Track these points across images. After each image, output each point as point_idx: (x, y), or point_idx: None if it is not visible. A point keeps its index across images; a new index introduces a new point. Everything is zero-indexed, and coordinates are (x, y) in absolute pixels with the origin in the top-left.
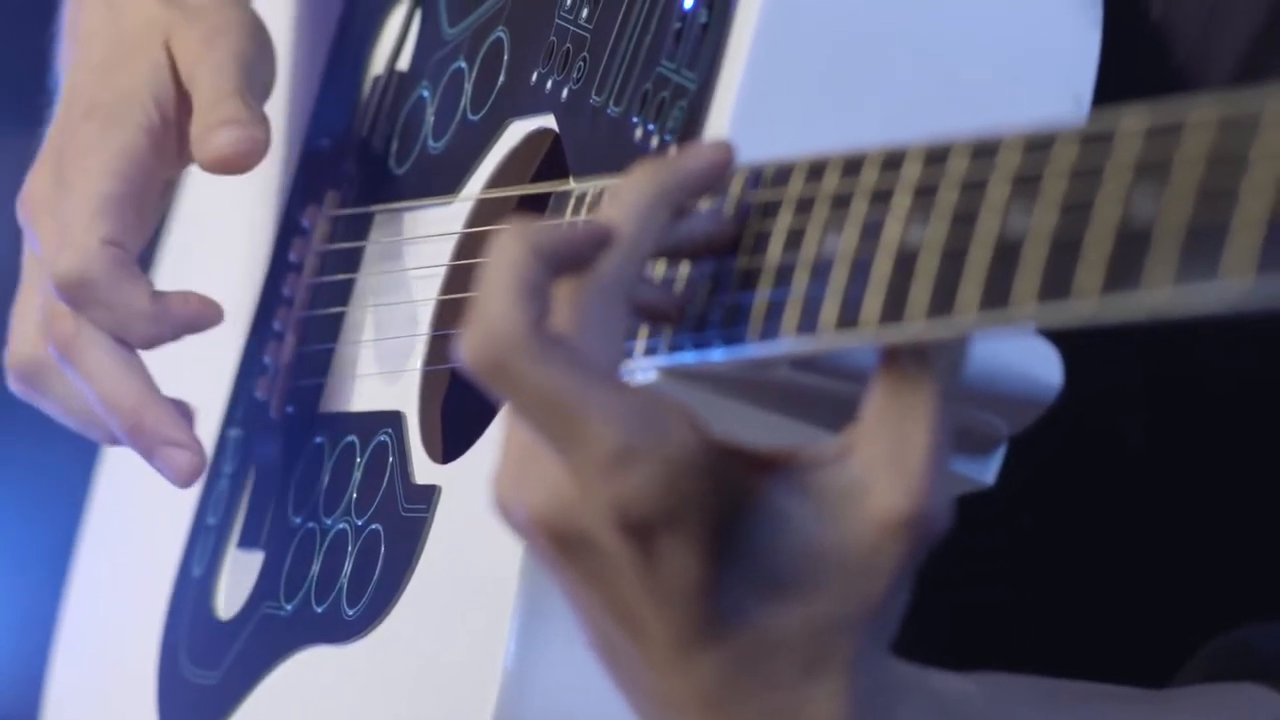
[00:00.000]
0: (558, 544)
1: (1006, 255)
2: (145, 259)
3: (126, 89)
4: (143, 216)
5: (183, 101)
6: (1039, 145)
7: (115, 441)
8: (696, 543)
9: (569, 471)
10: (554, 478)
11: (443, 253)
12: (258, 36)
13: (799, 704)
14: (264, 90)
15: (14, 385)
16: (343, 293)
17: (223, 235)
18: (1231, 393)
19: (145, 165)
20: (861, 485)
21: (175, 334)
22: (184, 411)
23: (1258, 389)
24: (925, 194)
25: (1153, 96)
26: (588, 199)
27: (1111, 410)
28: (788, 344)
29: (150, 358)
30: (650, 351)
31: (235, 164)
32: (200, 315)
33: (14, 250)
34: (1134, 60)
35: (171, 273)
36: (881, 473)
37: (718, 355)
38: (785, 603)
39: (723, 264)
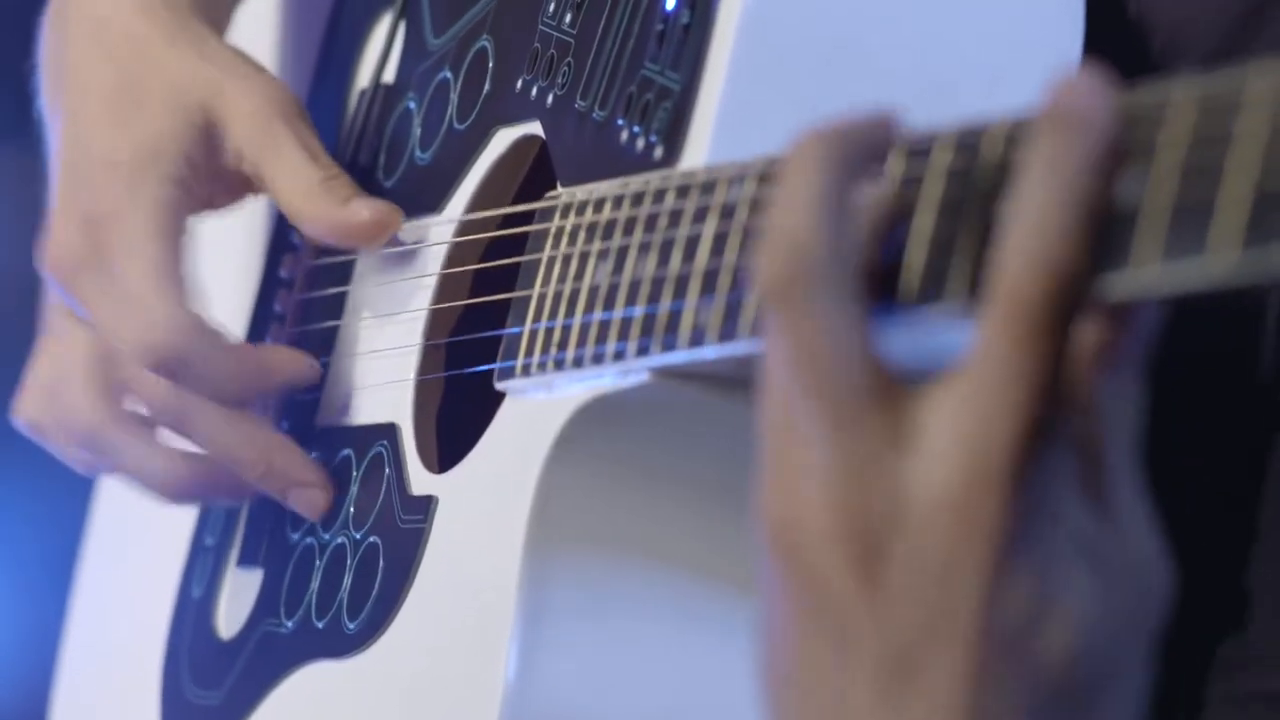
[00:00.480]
0: (851, 553)
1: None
2: None
3: (152, 141)
4: (188, 268)
5: (213, 153)
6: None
7: (189, 498)
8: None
9: (842, 452)
10: (827, 466)
11: (434, 264)
12: (302, 109)
13: None
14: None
15: (73, 458)
16: (335, 306)
17: (214, 253)
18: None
19: (182, 217)
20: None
21: (268, 390)
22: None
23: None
24: (910, 183)
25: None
26: (575, 205)
27: None
28: None
29: None
30: (642, 351)
31: (388, 228)
32: (294, 371)
33: (13, 255)
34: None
35: None
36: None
37: (710, 353)
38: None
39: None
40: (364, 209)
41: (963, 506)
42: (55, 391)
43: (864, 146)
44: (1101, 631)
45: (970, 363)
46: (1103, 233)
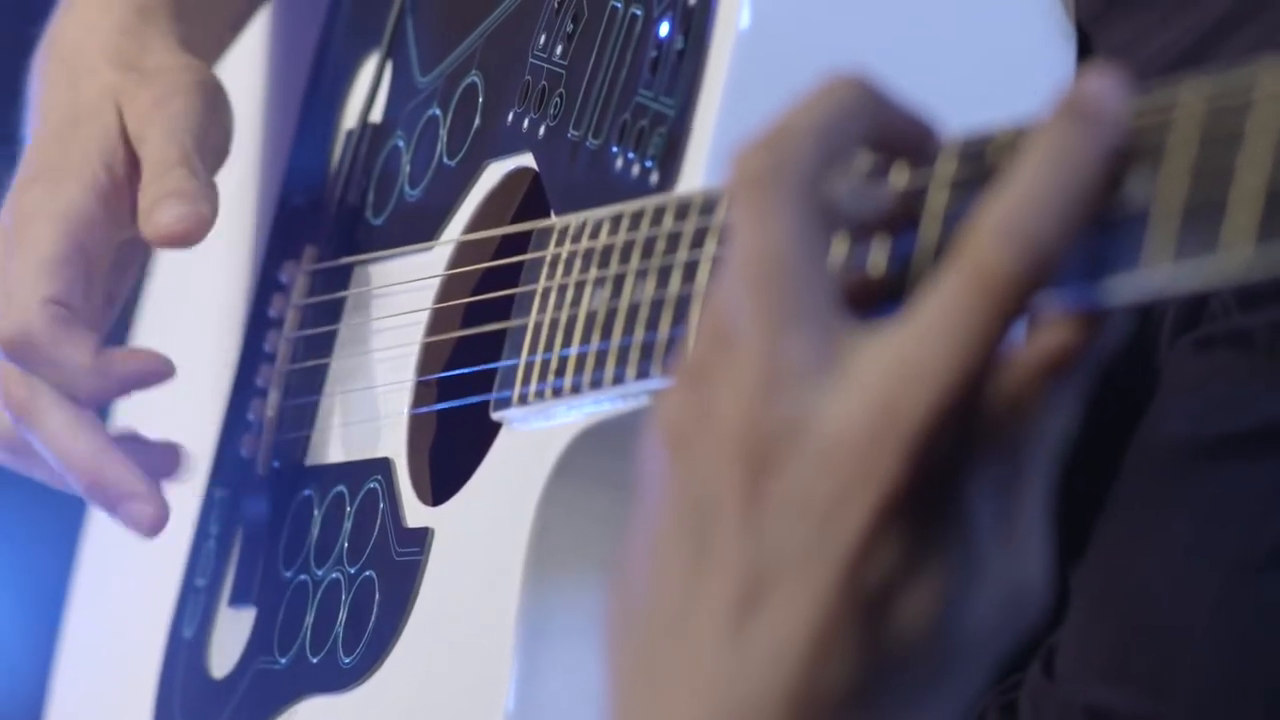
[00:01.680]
0: (742, 465)
1: None
2: (124, 320)
3: (76, 152)
4: (92, 276)
5: (133, 163)
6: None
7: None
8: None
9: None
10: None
11: (425, 298)
12: (211, 98)
13: None
14: (217, 154)
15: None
16: (325, 344)
17: (201, 294)
18: None
19: (92, 225)
20: None
21: (122, 389)
22: (175, 454)
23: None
24: (913, 196)
25: None
26: (570, 231)
27: None
28: None
29: (132, 420)
30: (642, 375)
31: (179, 240)
32: (147, 370)
33: None
34: None
35: (150, 334)
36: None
37: None
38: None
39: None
40: (167, 213)
41: (861, 452)
42: None
43: (890, 121)
44: (959, 634)
45: (914, 315)
46: (1112, 234)
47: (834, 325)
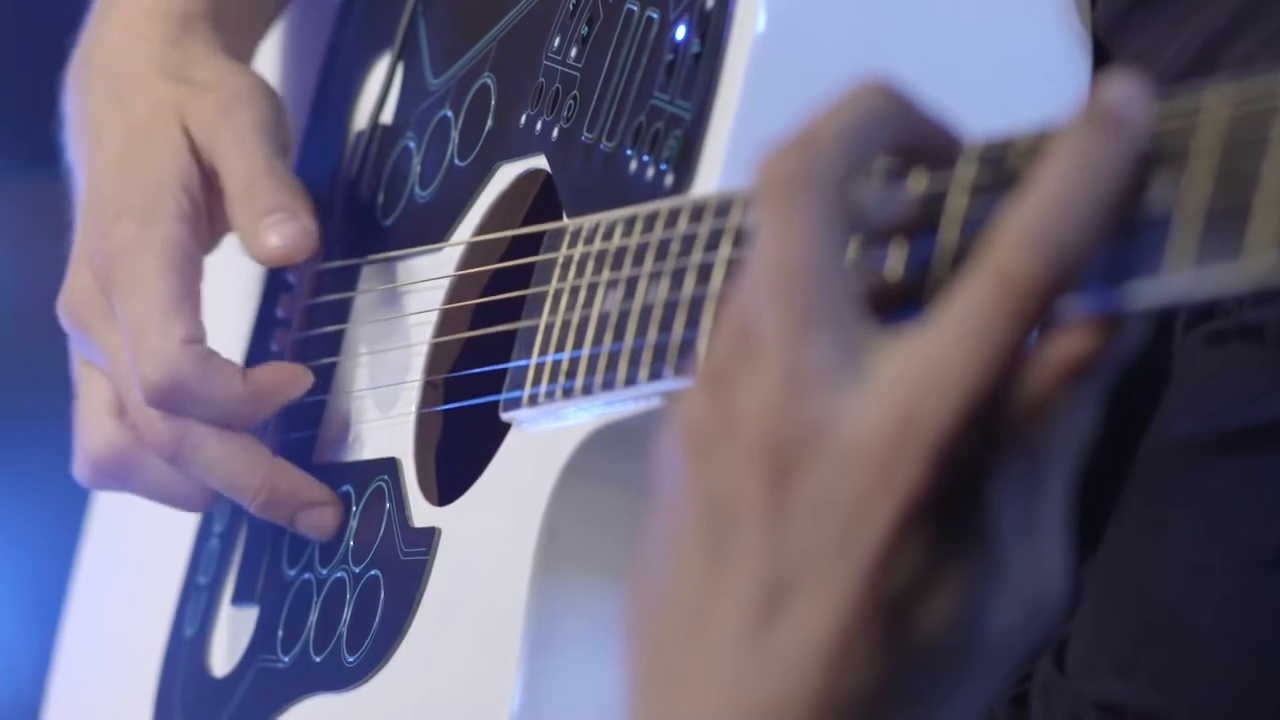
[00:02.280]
0: (764, 470)
1: None
2: None
3: (153, 181)
4: (200, 303)
5: (207, 178)
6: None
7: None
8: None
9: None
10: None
11: (434, 298)
12: (272, 100)
13: None
14: (285, 151)
15: (92, 480)
16: (333, 344)
17: (209, 294)
18: None
19: (191, 254)
20: None
21: (272, 407)
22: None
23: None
24: (933, 200)
25: None
26: (583, 233)
27: None
28: None
29: None
30: (654, 377)
31: (292, 258)
32: (291, 383)
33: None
34: None
35: None
36: None
37: None
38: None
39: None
40: (276, 234)
41: (884, 456)
42: (92, 432)
43: (914, 126)
44: (981, 636)
45: (936, 320)
46: (1134, 239)
47: (856, 329)
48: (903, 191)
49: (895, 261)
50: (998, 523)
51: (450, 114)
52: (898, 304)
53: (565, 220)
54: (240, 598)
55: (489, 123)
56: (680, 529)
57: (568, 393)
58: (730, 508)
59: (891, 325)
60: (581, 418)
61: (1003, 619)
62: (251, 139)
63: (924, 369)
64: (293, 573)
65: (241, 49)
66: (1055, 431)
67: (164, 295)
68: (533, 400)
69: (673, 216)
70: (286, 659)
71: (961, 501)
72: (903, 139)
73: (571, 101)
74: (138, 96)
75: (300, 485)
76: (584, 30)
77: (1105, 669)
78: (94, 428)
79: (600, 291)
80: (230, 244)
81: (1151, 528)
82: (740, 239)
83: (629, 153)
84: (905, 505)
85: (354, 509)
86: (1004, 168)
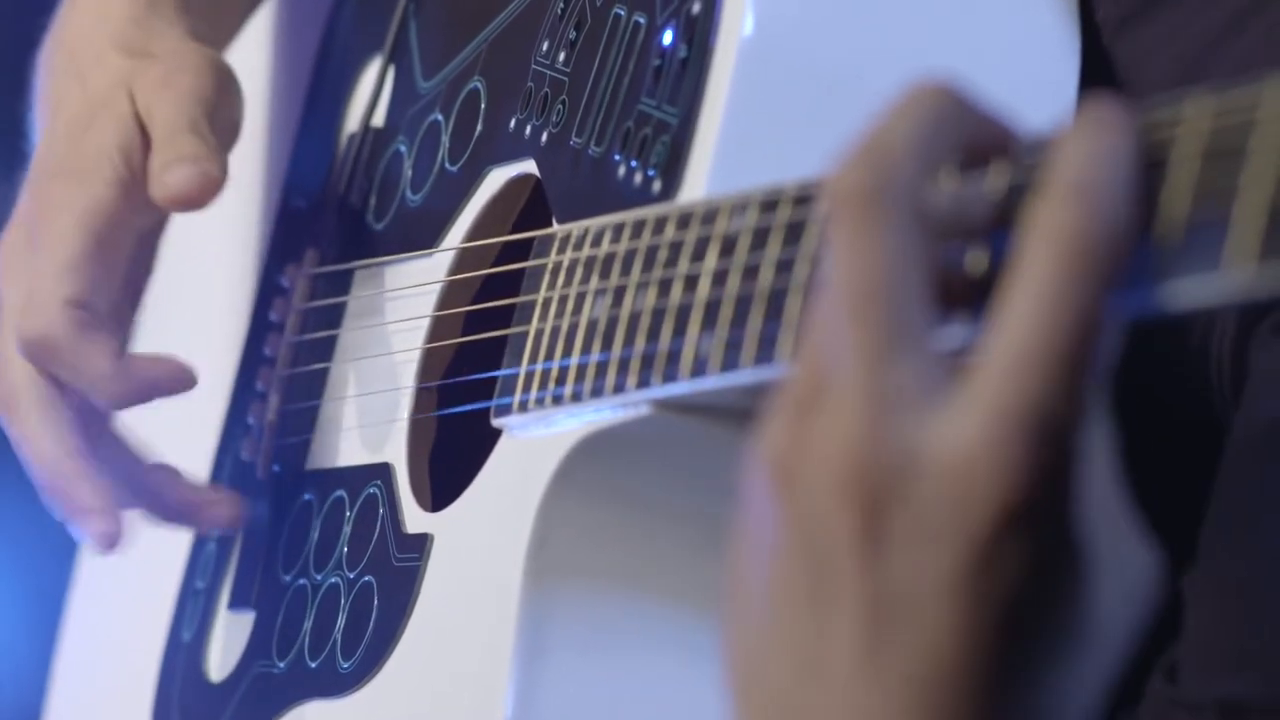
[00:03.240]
0: (857, 499)
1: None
2: None
3: (94, 146)
4: (113, 271)
5: (149, 146)
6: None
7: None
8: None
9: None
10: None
11: (426, 304)
12: (219, 75)
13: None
14: (230, 129)
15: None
16: (325, 349)
17: (202, 297)
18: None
19: (114, 219)
20: None
21: (144, 395)
22: (170, 475)
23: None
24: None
25: None
26: (572, 239)
27: None
28: (784, 368)
29: (133, 424)
30: (643, 384)
31: (190, 200)
32: (169, 378)
33: None
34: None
35: (151, 336)
36: None
37: (712, 383)
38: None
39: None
40: (175, 174)
41: (979, 464)
42: None
43: (977, 125)
44: (1091, 625)
45: (1006, 307)
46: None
47: (938, 348)
48: (979, 186)
49: (978, 257)
50: (1098, 512)
51: (441, 118)
52: (981, 299)
53: (554, 226)
54: (237, 602)
55: (479, 127)
56: (777, 568)
57: (558, 400)
58: (826, 542)
59: (979, 320)
60: (572, 424)
61: (1105, 605)
62: (187, 102)
63: (1004, 362)
64: (288, 578)
65: (208, 35)
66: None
67: (68, 254)
68: (523, 407)
69: (660, 224)
70: (282, 664)
71: (1064, 489)
72: (968, 138)
73: (560, 106)
74: (95, 72)
75: (81, 488)
76: (572, 34)
77: (1223, 668)
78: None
79: (589, 299)
80: (228, 248)
81: (1249, 519)
82: (726, 244)
83: (617, 158)
84: (1009, 504)
85: (348, 514)
86: None
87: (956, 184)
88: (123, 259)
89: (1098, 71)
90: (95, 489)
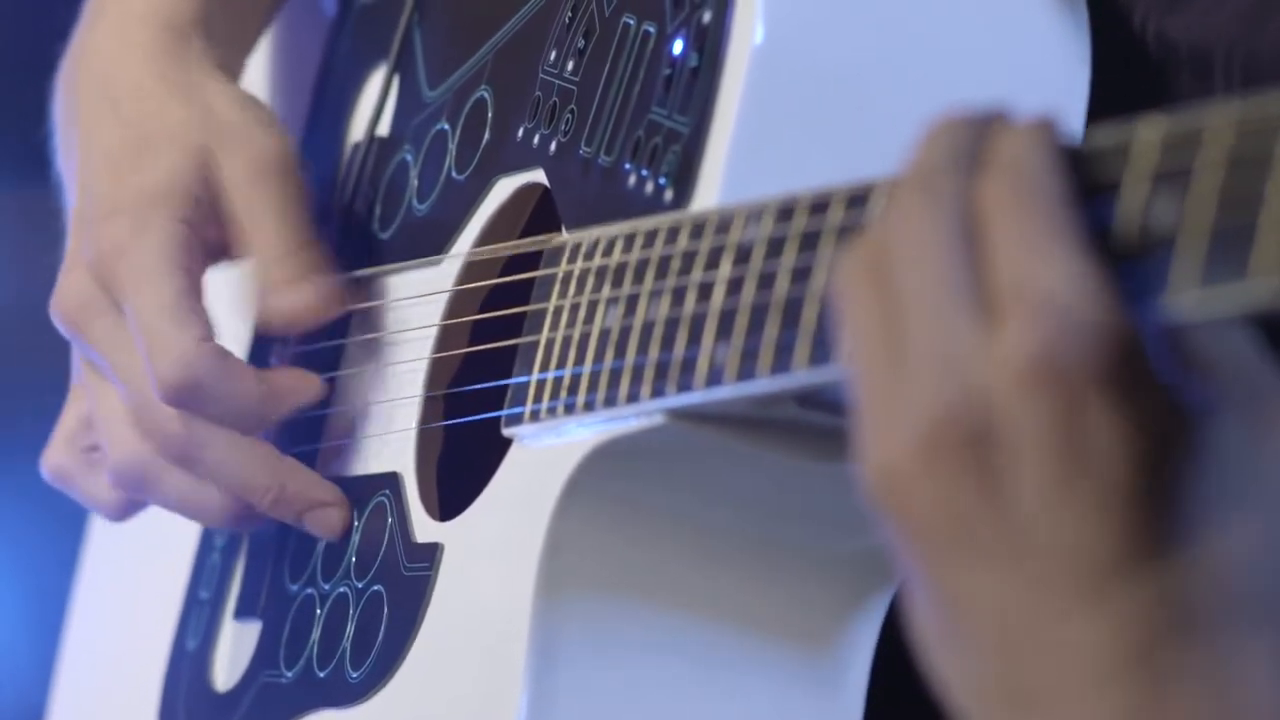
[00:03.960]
0: (961, 453)
1: None
2: None
3: (153, 182)
4: (205, 300)
5: (216, 204)
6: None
7: (236, 523)
8: (1146, 418)
9: (972, 330)
10: (947, 356)
11: (433, 313)
12: (297, 162)
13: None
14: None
15: (104, 501)
16: (332, 358)
17: (207, 305)
18: None
19: (193, 251)
20: None
21: (288, 409)
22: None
23: None
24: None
25: None
26: (583, 248)
27: None
28: (800, 377)
29: None
30: (657, 394)
31: (303, 322)
32: (307, 388)
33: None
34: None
35: None
36: None
37: (727, 393)
38: (1236, 530)
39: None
40: (305, 292)
41: (1026, 367)
42: (82, 438)
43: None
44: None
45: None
46: (1139, 259)
47: (988, 296)
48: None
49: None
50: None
51: (447, 127)
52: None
53: (565, 235)
54: (243, 612)
55: (486, 136)
56: (933, 577)
57: (569, 409)
58: (965, 510)
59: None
60: (583, 434)
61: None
62: (283, 208)
63: (1015, 267)
64: (295, 587)
65: (232, 63)
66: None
67: (173, 292)
68: (534, 416)
69: (673, 233)
70: (290, 674)
71: (1143, 366)
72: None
73: (569, 115)
74: (134, 103)
75: (309, 484)
76: (581, 44)
77: None
78: (116, 438)
79: (601, 308)
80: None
81: None
82: (740, 253)
83: (628, 167)
84: (1072, 389)
85: (356, 524)
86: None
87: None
88: (203, 288)
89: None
90: (317, 481)
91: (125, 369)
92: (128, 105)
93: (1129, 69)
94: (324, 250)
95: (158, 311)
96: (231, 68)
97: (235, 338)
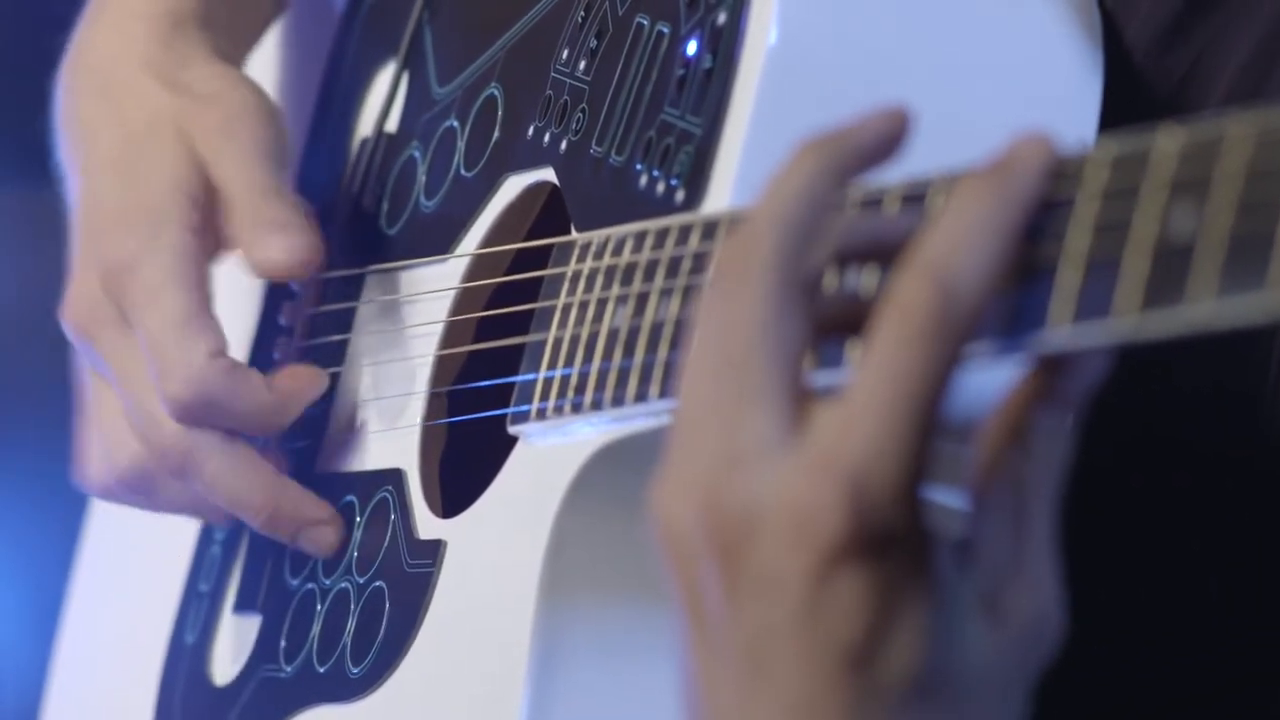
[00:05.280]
0: (725, 543)
1: (1041, 279)
2: None
3: (155, 190)
4: (215, 312)
5: (209, 190)
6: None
7: (237, 521)
8: (888, 584)
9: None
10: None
11: (439, 309)
12: (273, 115)
13: None
14: (285, 165)
15: (113, 494)
16: (336, 354)
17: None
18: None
19: (200, 263)
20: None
21: (295, 414)
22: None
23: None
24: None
25: None
26: (593, 247)
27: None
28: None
29: None
30: (665, 394)
31: (293, 271)
32: (311, 386)
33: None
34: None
35: None
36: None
37: None
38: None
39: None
40: (277, 245)
41: (803, 509)
42: (109, 449)
43: (859, 155)
44: (965, 669)
45: (859, 363)
46: (1158, 268)
47: (802, 402)
48: (876, 219)
49: (869, 281)
50: (997, 566)
51: (456, 124)
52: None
53: (574, 234)
54: (242, 606)
55: (496, 134)
56: (679, 614)
57: (576, 408)
58: (702, 593)
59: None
60: (590, 433)
61: (989, 650)
62: (255, 157)
63: (841, 417)
64: (295, 582)
65: (231, 53)
66: (1034, 463)
67: (182, 308)
68: (541, 415)
69: (684, 233)
70: (289, 669)
71: (904, 540)
72: (850, 174)
73: (580, 114)
74: (131, 100)
75: (303, 504)
76: (593, 43)
77: None
78: (119, 443)
79: (610, 307)
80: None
81: None
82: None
83: (639, 167)
84: (826, 553)
85: (358, 519)
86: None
87: (854, 212)
88: (213, 299)
89: (1133, 96)
90: (310, 500)
91: (130, 381)
92: (125, 104)
93: (1133, 105)
94: (300, 201)
95: (168, 330)
96: (231, 56)
97: (236, 338)
